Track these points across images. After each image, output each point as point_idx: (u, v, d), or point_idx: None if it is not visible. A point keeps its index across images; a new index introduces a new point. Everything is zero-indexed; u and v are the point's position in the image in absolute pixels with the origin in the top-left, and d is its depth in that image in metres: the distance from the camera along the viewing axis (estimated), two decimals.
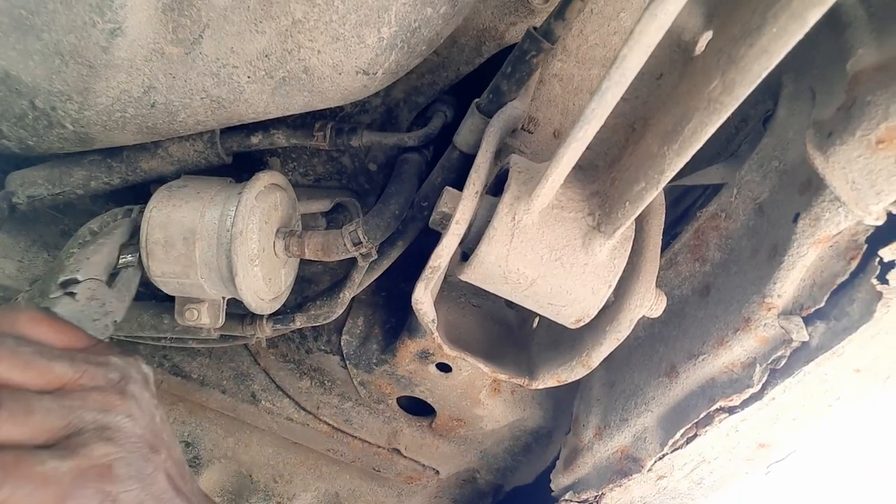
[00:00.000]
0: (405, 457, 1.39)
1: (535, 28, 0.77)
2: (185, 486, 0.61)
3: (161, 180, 0.97)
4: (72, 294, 0.75)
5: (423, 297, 0.77)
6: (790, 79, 0.84)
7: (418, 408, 1.36)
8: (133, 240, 0.89)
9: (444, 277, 0.89)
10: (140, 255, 0.87)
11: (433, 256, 0.72)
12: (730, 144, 0.98)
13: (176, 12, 0.70)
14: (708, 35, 0.62)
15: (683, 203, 1.12)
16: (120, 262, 0.86)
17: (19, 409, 0.50)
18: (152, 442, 0.59)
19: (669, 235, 0.99)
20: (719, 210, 0.88)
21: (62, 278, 0.77)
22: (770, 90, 0.88)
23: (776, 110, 0.85)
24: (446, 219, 0.74)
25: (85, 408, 0.55)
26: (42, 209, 0.99)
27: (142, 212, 0.91)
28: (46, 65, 0.74)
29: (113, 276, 0.85)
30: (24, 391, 0.52)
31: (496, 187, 0.80)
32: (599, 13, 0.86)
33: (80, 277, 0.78)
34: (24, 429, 0.50)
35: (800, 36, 0.49)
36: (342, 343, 1.23)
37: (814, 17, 0.48)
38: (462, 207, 0.70)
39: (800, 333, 0.76)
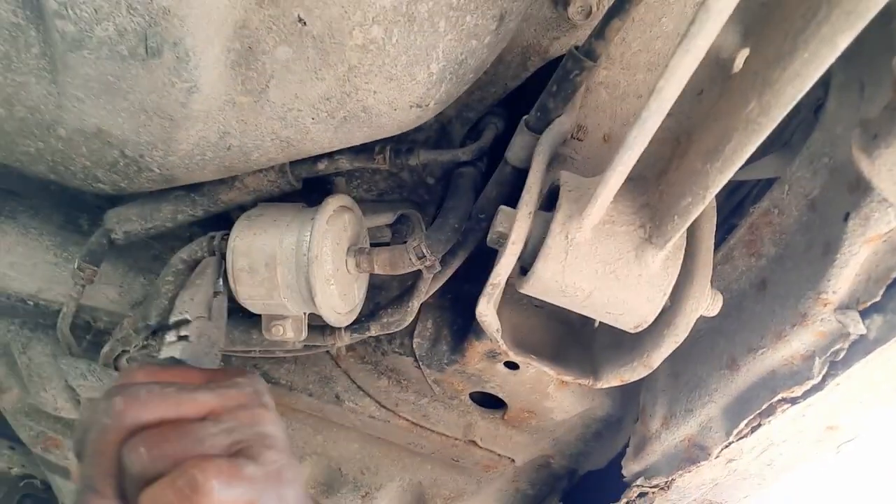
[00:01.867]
0: (481, 447, 1.45)
1: (577, 48, 0.80)
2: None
3: (240, 208, 1.05)
4: (185, 337, 0.82)
5: (487, 311, 0.82)
6: (839, 67, 0.84)
7: (491, 401, 1.42)
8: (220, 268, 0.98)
9: (505, 283, 0.93)
10: (227, 283, 0.96)
11: (493, 275, 0.77)
12: (783, 133, 0.98)
13: (243, 67, 0.77)
14: (745, 52, 0.63)
15: (737, 195, 1.12)
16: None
17: (190, 440, 0.55)
18: (290, 448, 0.63)
19: (724, 229, 1.00)
20: (772, 206, 0.89)
21: (174, 319, 0.84)
22: (821, 78, 0.87)
23: (826, 100, 0.85)
24: (503, 238, 0.79)
25: (241, 424, 0.59)
26: (136, 240, 1.09)
27: (224, 238, 0.99)
28: (133, 120, 0.82)
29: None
30: (187, 423, 0.57)
31: (549, 199, 0.84)
32: (641, 20, 0.88)
33: (189, 318, 0.85)
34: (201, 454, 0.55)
35: (831, 60, 0.50)
36: (414, 346, 1.29)
37: (844, 42, 0.49)
38: (517, 228, 0.75)
39: (857, 327, 0.77)
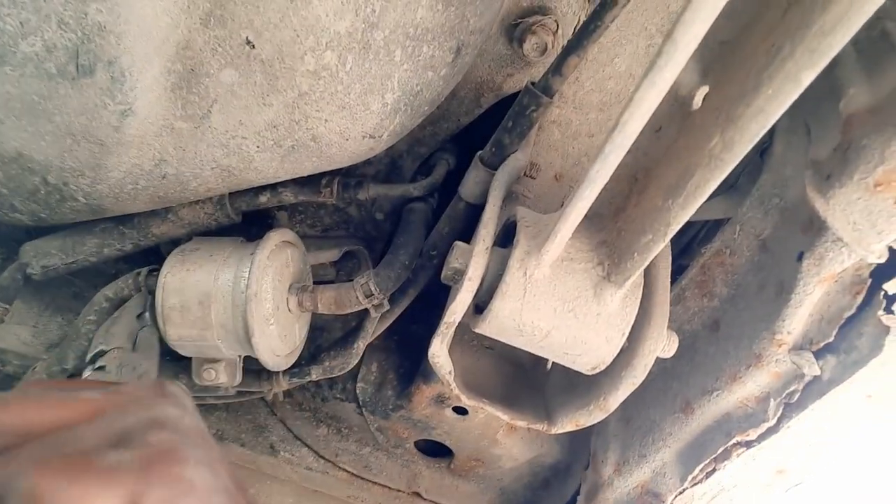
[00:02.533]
0: (425, 499, 1.39)
1: (533, 83, 0.80)
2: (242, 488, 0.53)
3: (173, 242, 0.99)
4: (102, 368, 0.76)
5: (440, 352, 0.78)
6: (784, 113, 0.86)
7: (436, 449, 1.37)
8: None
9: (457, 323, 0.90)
10: (156, 322, 0.89)
11: (448, 313, 0.73)
12: (729, 176, 0.99)
13: (185, 90, 0.72)
14: (704, 89, 0.64)
15: (686, 236, 1.13)
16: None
17: (55, 445, 0.43)
18: (207, 435, 0.53)
19: (674, 269, 1.00)
20: (724, 246, 0.90)
21: (90, 354, 0.79)
22: None
23: (772, 144, 0.87)
24: (458, 274, 0.75)
25: (125, 416, 0.48)
26: (55, 276, 1.00)
27: (151, 273, 0.92)
28: (58, 144, 0.76)
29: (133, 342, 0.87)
30: (55, 433, 0.45)
31: (503, 237, 0.81)
32: (594, 60, 0.89)
33: (105, 348, 0.80)
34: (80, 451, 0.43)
35: (795, 96, 0.50)
36: (357, 391, 1.24)
37: (808, 78, 0.49)
38: (474, 264, 0.72)
39: (811, 368, 0.77)
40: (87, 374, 0.76)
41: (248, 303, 0.85)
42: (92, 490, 0.40)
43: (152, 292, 0.91)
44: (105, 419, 0.47)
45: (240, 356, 0.97)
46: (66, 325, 1.14)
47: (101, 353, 0.78)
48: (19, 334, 1.15)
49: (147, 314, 0.89)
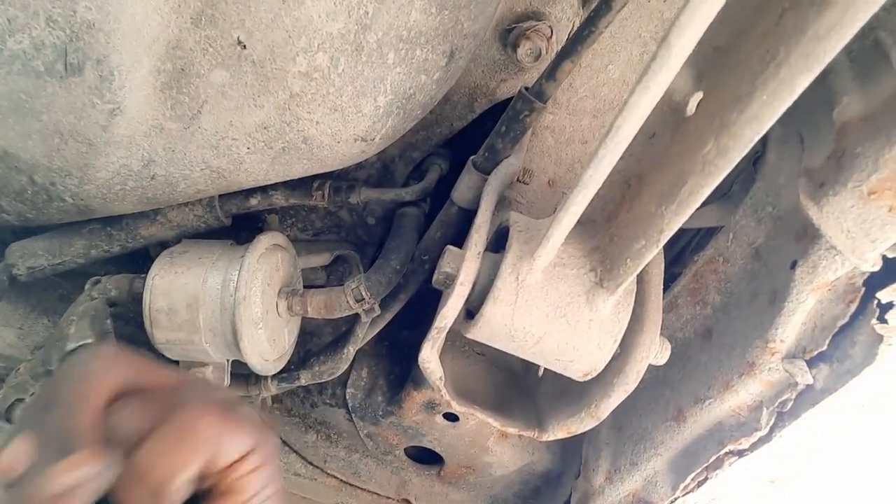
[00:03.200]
0: None
1: (526, 88, 0.79)
2: None
3: (161, 245, 0.97)
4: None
5: (431, 357, 0.77)
6: (778, 121, 0.86)
7: (426, 456, 1.36)
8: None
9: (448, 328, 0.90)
10: (143, 323, 0.88)
11: (439, 317, 0.73)
12: (722, 184, 0.99)
13: (174, 90, 0.71)
14: (698, 96, 0.63)
15: (678, 244, 1.13)
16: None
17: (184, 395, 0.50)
18: None
19: (667, 277, 1.00)
20: (717, 254, 0.89)
21: (70, 346, 0.81)
22: None
23: (766, 152, 0.87)
24: (450, 279, 0.75)
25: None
26: (42, 278, 0.99)
27: (137, 278, 0.91)
28: (45, 143, 0.75)
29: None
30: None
31: (496, 242, 0.81)
32: (588, 66, 0.89)
33: (86, 344, 0.81)
34: None
35: (789, 103, 0.50)
36: (347, 396, 1.22)
37: (802, 84, 0.49)
38: (465, 268, 0.71)
39: (804, 377, 0.77)
40: None
41: (236, 306, 0.84)
42: (233, 429, 0.47)
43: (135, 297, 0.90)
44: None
45: (228, 360, 0.96)
46: (52, 327, 1.13)
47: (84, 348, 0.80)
48: (4, 336, 1.14)
49: (109, 321, 0.89)
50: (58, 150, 0.75)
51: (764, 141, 0.88)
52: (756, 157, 0.92)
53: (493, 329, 0.72)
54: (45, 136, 0.74)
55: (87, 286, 0.93)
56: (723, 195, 0.98)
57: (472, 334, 0.74)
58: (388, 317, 1.02)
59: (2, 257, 0.96)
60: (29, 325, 1.16)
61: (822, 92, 0.76)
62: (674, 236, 1.14)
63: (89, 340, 0.81)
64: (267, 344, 0.91)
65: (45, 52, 0.64)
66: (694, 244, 1.11)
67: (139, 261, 1.11)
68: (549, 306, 0.70)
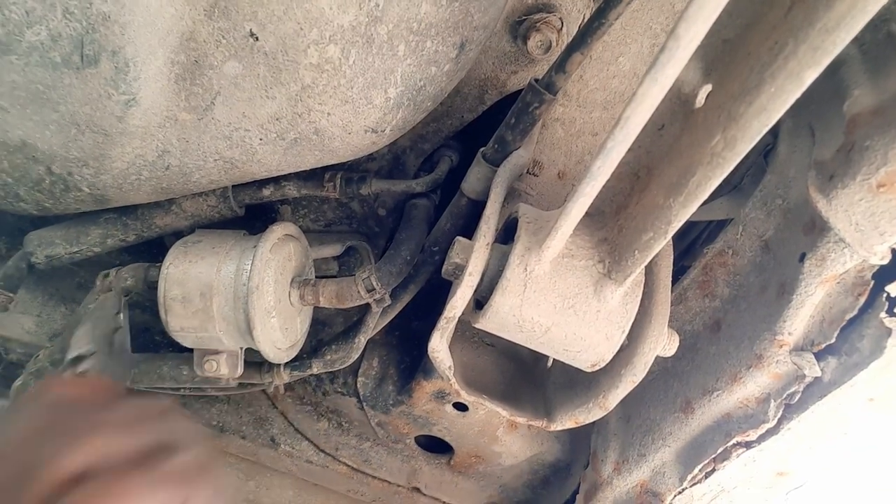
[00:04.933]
0: (425, 495, 1.39)
1: (536, 80, 0.79)
2: None
3: (176, 234, 0.99)
4: (84, 373, 0.80)
5: (440, 346, 0.78)
6: (788, 114, 0.85)
7: (436, 445, 1.37)
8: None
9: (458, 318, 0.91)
10: (159, 311, 0.89)
11: (448, 307, 0.73)
12: (732, 177, 0.99)
13: (188, 81, 0.72)
14: (707, 88, 0.63)
15: (689, 237, 1.13)
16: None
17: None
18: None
19: (677, 270, 1.00)
20: (726, 246, 0.89)
21: (70, 356, 0.83)
22: None
23: (776, 145, 0.87)
24: (459, 269, 0.75)
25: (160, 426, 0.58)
26: (59, 266, 1.01)
27: (152, 267, 0.93)
28: (63, 134, 0.76)
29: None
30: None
31: (505, 234, 0.81)
32: (598, 59, 0.89)
33: (85, 353, 0.83)
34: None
35: (797, 95, 0.50)
36: (358, 385, 1.24)
37: (810, 77, 0.49)
38: (474, 259, 0.72)
39: (812, 369, 0.77)
40: (66, 375, 0.79)
41: (249, 295, 0.85)
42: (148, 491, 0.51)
43: (151, 287, 0.91)
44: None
45: (241, 348, 0.97)
46: (70, 315, 1.15)
47: (82, 358, 0.82)
48: (23, 323, 1.16)
49: (121, 315, 0.91)
50: (74, 140, 0.77)
51: (775, 133, 0.88)
52: (767, 150, 0.92)
53: (502, 319, 0.73)
54: (63, 126, 0.75)
55: (97, 281, 0.95)
56: (733, 188, 0.97)
57: (480, 324, 0.75)
58: (399, 307, 1.03)
59: (20, 246, 0.98)
60: (47, 313, 1.18)
61: (833, 84, 0.75)
62: (684, 229, 1.15)
63: (91, 349, 0.83)
64: (279, 332, 0.92)
65: (62, 43, 0.65)
66: (704, 237, 1.11)
67: (154, 250, 1.13)
68: (558, 297, 0.70)
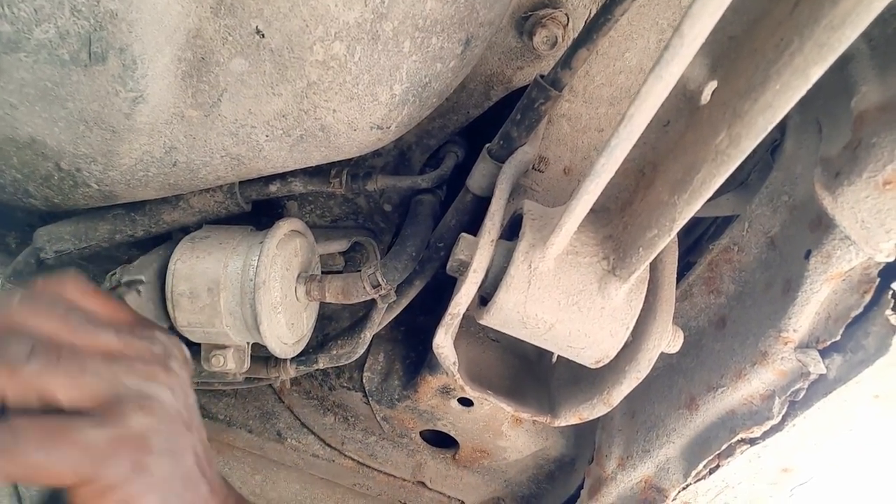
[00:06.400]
0: (430, 489, 1.40)
1: (542, 76, 0.79)
2: (209, 469, 0.60)
3: (183, 230, 0.99)
4: (138, 291, 0.84)
5: (444, 342, 0.78)
6: (796, 109, 0.85)
7: (442, 440, 1.38)
8: None
9: (463, 314, 0.91)
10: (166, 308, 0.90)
11: (452, 304, 0.74)
12: (739, 173, 0.99)
13: (195, 78, 0.73)
14: (713, 84, 0.63)
15: (695, 233, 1.13)
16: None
17: (74, 367, 0.51)
18: (187, 419, 0.59)
19: (682, 266, 1.00)
20: (732, 243, 0.89)
21: (128, 277, 0.86)
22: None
23: (784, 141, 0.86)
24: (463, 266, 0.76)
25: (129, 374, 0.55)
26: (68, 261, 1.02)
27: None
28: (71, 130, 0.77)
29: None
30: (80, 352, 0.53)
31: (510, 230, 0.81)
32: (605, 54, 0.88)
33: (144, 279, 0.87)
34: (75, 390, 0.50)
35: (803, 92, 0.50)
36: (364, 380, 1.24)
37: (816, 73, 0.49)
38: (479, 256, 0.72)
39: (817, 367, 0.77)
40: (122, 289, 0.85)
41: (256, 291, 0.86)
42: (58, 456, 0.47)
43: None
44: (112, 365, 0.54)
45: (248, 343, 0.98)
46: None
47: (140, 282, 0.87)
48: None
49: None
50: (83, 136, 0.77)
51: (782, 130, 0.87)
52: (774, 146, 0.91)
53: (506, 316, 0.73)
54: (71, 123, 0.76)
55: (105, 282, 0.96)
56: (740, 184, 0.97)
57: (485, 321, 0.75)
58: (404, 302, 1.03)
59: (30, 241, 0.99)
60: None
61: (841, 80, 0.75)
62: (691, 226, 1.14)
63: (142, 277, 0.88)
64: (286, 328, 0.93)
65: (70, 41, 0.66)
66: (711, 233, 1.11)
67: (160, 243, 1.13)
68: (562, 294, 0.70)
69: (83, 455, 0.49)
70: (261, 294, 0.86)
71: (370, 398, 1.26)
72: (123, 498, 0.50)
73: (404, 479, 1.40)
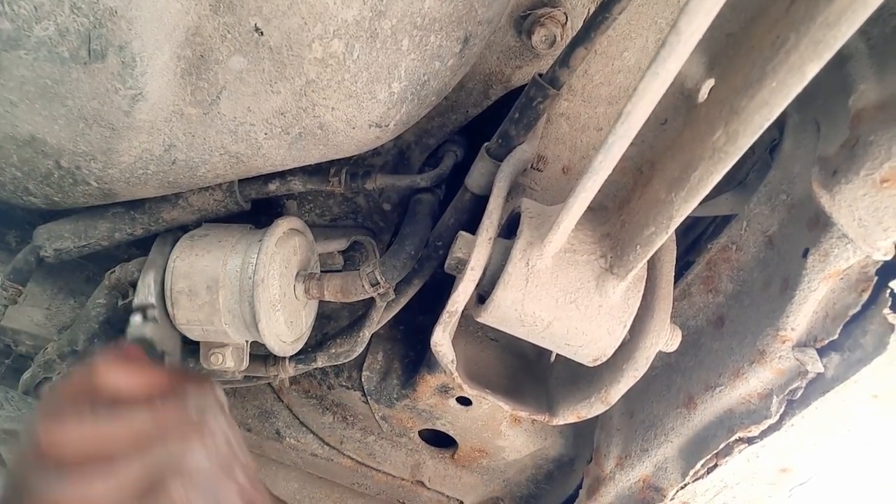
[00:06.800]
0: (429, 488, 1.40)
1: (540, 75, 0.79)
2: (257, 494, 0.64)
3: (183, 229, 1.00)
4: (154, 319, 0.85)
5: (442, 340, 0.78)
6: (794, 108, 0.86)
7: (440, 439, 1.38)
8: None
9: (462, 312, 0.91)
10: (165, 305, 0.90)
11: (450, 302, 0.74)
12: (738, 173, 0.99)
13: (194, 76, 0.73)
14: (710, 83, 0.63)
15: (693, 232, 1.13)
16: None
17: (108, 473, 0.54)
18: (227, 467, 0.61)
19: (681, 265, 1.00)
20: (730, 242, 0.89)
21: (138, 303, 0.87)
22: (776, 119, 0.89)
23: (782, 140, 0.86)
24: (461, 264, 0.76)
25: (163, 448, 0.58)
26: (68, 259, 1.02)
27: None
28: (71, 128, 0.77)
29: None
30: (111, 454, 0.56)
31: (508, 228, 0.81)
32: (603, 53, 0.88)
33: (154, 303, 0.88)
34: (114, 491, 0.53)
35: (799, 89, 0.50)
36: (363, 379, 1.24)
37: (812, 71, 0.49)
38: (476, 253, 0.72)
39: (815, 365, 0.77)
40: (136, 319, 0.85)
41: (255, 288, 0.86)
42: None
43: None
44: (145, 453, 0.57)
45: (247, 341, 0.98)
46: (79, 308, 1.16)
47: (151, 306, 0.87)
48: (32, 316, 1.17)
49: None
50: (82, 134, 0.77)
51: (781, 129, 0.88)
52: (773, 146, 0.91)
53: (504, 314, 0.73)
54: (71, 120, 0.76)
55: (104, 281, 0.96)
56: (738, 184, 0.97)
57: (483, 318, 0.75)
58: (403, 301, 1.03)
59: (30, 239, 0.99)
60: (56, 306, 1.19)
61: (840, 79, 0.75)
62: (690, 225, 1.14)
63: (153, 302, 0.88)
64: (284, 326, 0.93)
65: (70, 38, 0.66)
66: (709, 233, 1.11)
67: None
68: (559, 291, 0.70)
69: None
70: (259, 292, 0.86)
71: (369, 397, 1.27)
72: None
73: (403, 479, 1.40)
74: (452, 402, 1.20)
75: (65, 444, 0.55)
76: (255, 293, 0.86)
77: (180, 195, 0.96)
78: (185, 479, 0.57)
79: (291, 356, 1.08)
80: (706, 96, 0.64)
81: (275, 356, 1.09)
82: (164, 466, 0.57)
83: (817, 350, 0.78)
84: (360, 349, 1.07)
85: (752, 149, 1.02)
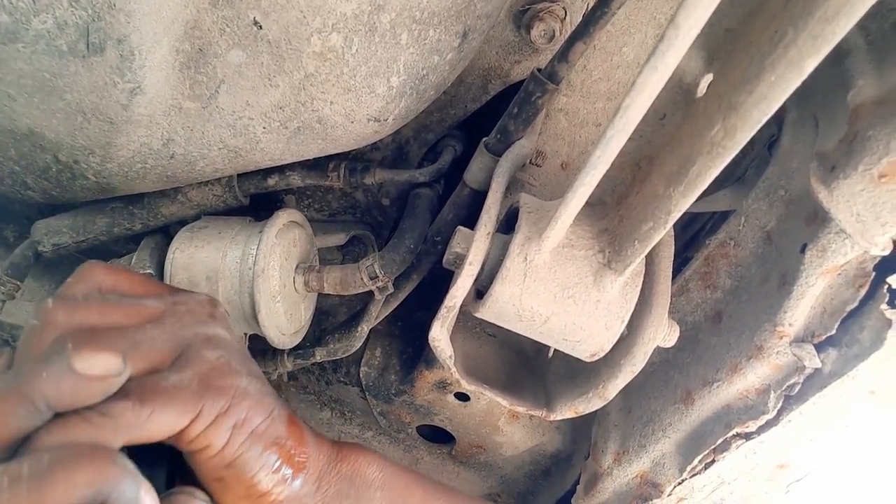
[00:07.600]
0: None
1: (539, 70, 0.79)
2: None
3: (182, 223, 1.00)
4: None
5: (440, 335, 0.78)
6: (793, 104, 0.86)
7: (438, 435, 1.38)
8: None
9: (460, 308, 0.91)
10: None
11: (448, 297, 0.74)
12: (736, 168, 0.99)
13: (192, 70, 0.73)
14: (708, 77, 0.63)
15: (692, 228, 1.13)
16: None
17: (127, 345, 0.50)
18: (247, 355, 0.60)
19: (679, 261, 1.00)
20: (728, 238, 0.89)
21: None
22: (774, 115, 0.89)
23: (780, 136, 0.86)
24: (459, 259, 0.76)
25: (184, 327, 0.55)
26: (66, 255, 1.02)
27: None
28: (69, 122, 0.77)
29: None
30: (125, 328, 0.52)
31: (507, 224, 0.82)
32: (602, 48, 0.88)
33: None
34: (139, 362, 0.50)
35: (797, 84, 0.50)
36: (361, 375, 1.24)
37: (810, 65, 0.49)
38: (475, 248, 0.72)
39: (812, 361, 0.77)
40: None
41: (255, 279, 0.86)
42: (155, 409, 0.47)
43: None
44: (165, 325, 0.54)
45: (246, 335, 0.98)
46: None
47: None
48: (30, 311, 1.17)
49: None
50: (81, 128, 0.77)
51: (779, 125, 0.88)
52: (771, 142, 0.91)
53: (502, 309, 0.73)
54: (69, 114, 0.76)
55: None
56: (736, 180, 0.97)
57: (480, 313, 0.76)
58: (401, 296, 1.04)
59: (27, 235, 0.99)
60: None
61: (839, 74, 0.75)
62: (688, 221, 1.14)
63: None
64: (284, 318, 0.93)
65: (68, 31, 0.66)
66: (708, 228, 1.11)
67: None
68: (557, 287, 0.70)
69: (180, 397, 0.49)
70: (259, 282, 0.86)
71: (367, 393, 1.27)
72: (235, 421, 0.52)
73: None
74: (450, 397, 1.20)
75: (78, 321, 0.50)
76: (256, 284, 0.86)
77: (179, 190, 0.96)
78: (213, 345, 0.55)
79: (290, 351, 1.08)
80: (704, 91, 0.64)
81: (273, 351, 1.09)
82: (188, 338, 0.54)
83: (815, 345, 0.78)
84: (358, 344, 1.07)
85: (750, 144, 1.02)
